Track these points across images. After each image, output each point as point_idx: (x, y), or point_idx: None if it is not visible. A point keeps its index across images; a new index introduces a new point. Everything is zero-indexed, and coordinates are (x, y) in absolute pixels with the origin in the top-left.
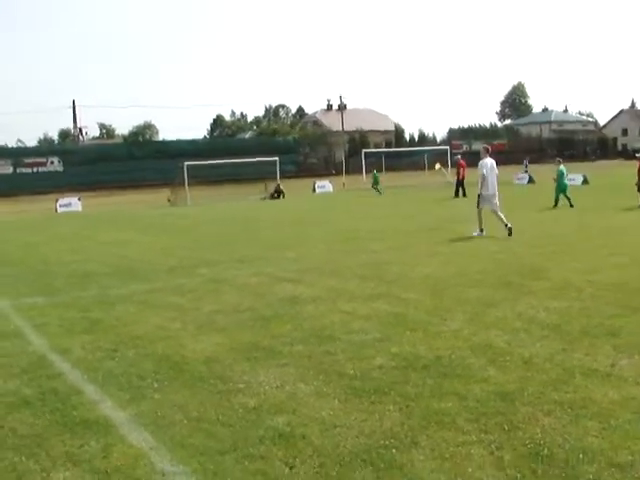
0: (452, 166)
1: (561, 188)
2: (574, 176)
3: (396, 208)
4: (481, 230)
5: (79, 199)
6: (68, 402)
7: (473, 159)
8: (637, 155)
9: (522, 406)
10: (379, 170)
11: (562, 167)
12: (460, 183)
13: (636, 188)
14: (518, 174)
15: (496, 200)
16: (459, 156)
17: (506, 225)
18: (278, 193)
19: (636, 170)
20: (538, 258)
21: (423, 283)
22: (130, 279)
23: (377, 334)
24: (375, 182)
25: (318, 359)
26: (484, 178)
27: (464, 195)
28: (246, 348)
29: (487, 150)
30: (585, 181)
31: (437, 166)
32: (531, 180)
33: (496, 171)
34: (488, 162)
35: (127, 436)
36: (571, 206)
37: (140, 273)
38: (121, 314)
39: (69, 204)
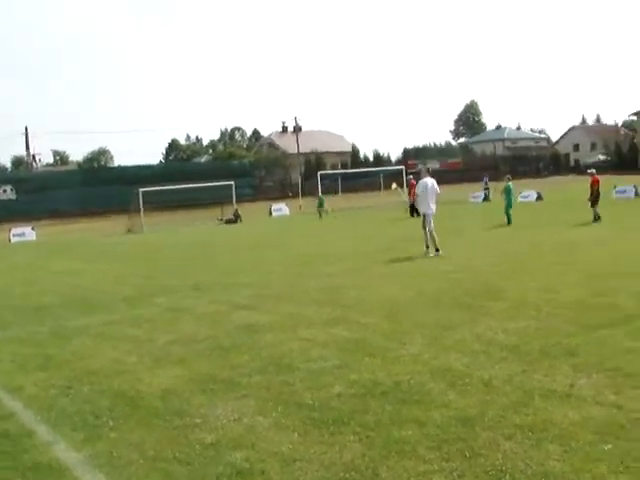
0: (407, 185)
1: (506, 204)
2: (528, 192)
3: (353, 230)
4: (437, 250)
5: (33, 228)
6: (19, 445)
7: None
8: (589, 171)
9: (483, 431)
10: (334, 192)
11: (510, 184)
12: (413, 203)
13: (589, 204)
14: (474, 193)
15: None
16: (411, 176)
17: (428, 246)
18: (235, 217)
19: (588, 185)
20: (494, 277)
21: (381, 306)
22: (86, 310)
23: (336, 361)
24: (320, 204)
25: (277, 389)
26: (424, 196)
27: (418, 215)
28: (203, 380)
29: (427, 170)
30: (539, 197)
31: (393, 186)
32: (486, 198)
33: (437, 191)
34: (428, 182)
35: (81, 479)
36: (509, 223)
37: (96, 304)
38: (76, 348)
39: (23, 234)
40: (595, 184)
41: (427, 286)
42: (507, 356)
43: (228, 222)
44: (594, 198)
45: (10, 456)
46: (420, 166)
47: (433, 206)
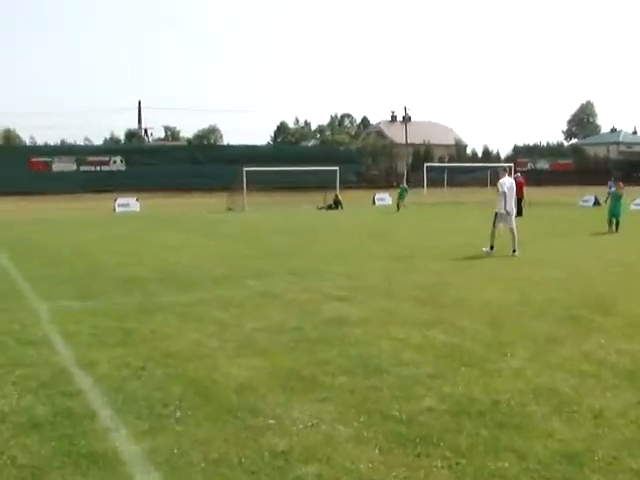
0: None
1: (612, 211)
2: None
3: (458, 224)
4: (491, 248)
5: (137, 199)
6: (79, 427)
7: (535, 177)
8: None
9: (592, 473)
10: (440, 185)
11: (621, 191)
12: (519, 201)
13: None
14: (585, 196)
15: (512, 219)
16: (518, 174)
17: (515, 248)
18: (336, 203)
19: None
20: (604, 287)
21: (482, 310)
22: (176, 287)
23: (429, 368)
24: (400, 196)
25: (362, 395)
26: (504, 196)
27: (520, 214)
28: (284, 375)
29: (505, 170)
30: None
31: None
32: (597, 202)
33: (514, 190)
34: (507, 181)
35: (134, 477)
36: (610, 230)
37: (187, 280)
38: (158, 326)
39: (127, 204)
40: None
41: (532, 291)
42: (620, 383)
43: (328, 208)
44: None
45: (67, 440)
46: (530, 164)
47: (512, 206)
